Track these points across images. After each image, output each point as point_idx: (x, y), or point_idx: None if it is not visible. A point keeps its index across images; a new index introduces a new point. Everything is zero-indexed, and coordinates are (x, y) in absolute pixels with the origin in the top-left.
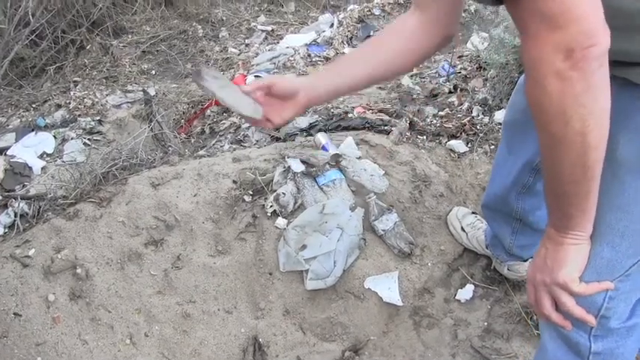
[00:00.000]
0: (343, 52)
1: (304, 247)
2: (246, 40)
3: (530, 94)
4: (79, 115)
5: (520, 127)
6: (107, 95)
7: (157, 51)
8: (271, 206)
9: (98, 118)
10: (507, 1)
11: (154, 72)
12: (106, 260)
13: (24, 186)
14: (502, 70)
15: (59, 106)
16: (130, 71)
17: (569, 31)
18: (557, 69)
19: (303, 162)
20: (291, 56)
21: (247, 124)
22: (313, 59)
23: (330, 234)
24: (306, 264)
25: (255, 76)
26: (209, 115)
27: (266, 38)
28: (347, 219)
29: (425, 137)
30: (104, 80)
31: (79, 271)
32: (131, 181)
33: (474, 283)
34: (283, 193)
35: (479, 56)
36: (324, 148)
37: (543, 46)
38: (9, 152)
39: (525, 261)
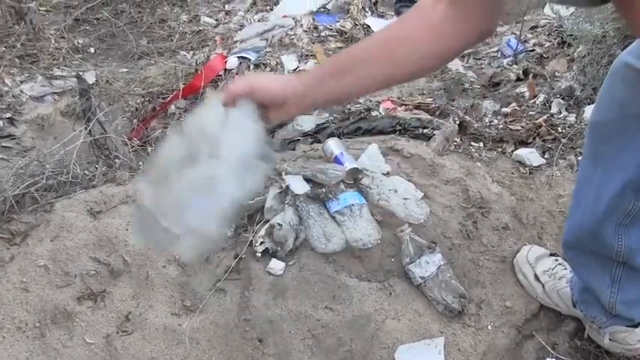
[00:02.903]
0: (364, 23)
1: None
2: (226, 6)
3: None
4: None
5: (615, 131)
6: (22, 82)
7: (97, 19)
8: (262, 243)
9: (9, 115)
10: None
11: (92, 50)
12: (18, 323)
13: None
14: (596, 47)
15: None
16: (57, 48)
17: None
18: None
19: (307, 180)
20: (291, 29)
21: None
22: (322, 33)
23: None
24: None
25: (239, 57)
26: (173, 113)
27: (254, 3)
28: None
29: (482, 144)
30: (17, 60)
31: None
32: (59, 207)
33: (557, 357)
34: (279, 224)
35: (561, 26)
36: (337, 160)
37: None
38: None
39: (636, 326)
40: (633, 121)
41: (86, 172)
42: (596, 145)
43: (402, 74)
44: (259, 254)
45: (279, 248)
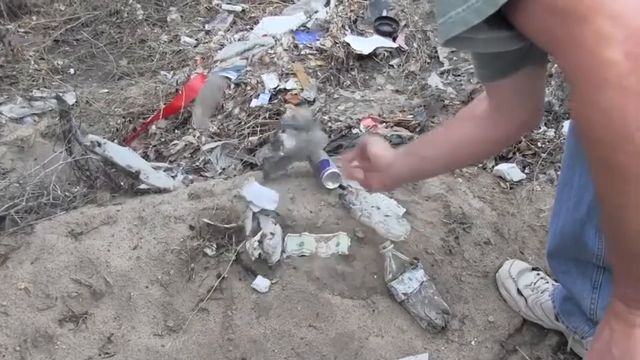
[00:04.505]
0: (344, 41)
1: None
2: (207, 26)
3: (578, 113)
4: None
5: None
6: (1, 104)
7: (77, 40)
8: (256, 248)
9: None
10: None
11: (72, 71)
12: None
13: None
14: None
15: None
16: (37, 69)
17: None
18: (613, 75)
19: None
20: (271, 48)
21: (209, 146)
22: (302, 52)
23: None
24: None
25: (221, 76)
26: (154, 134)
27: (234, 22)
28: None
29: None
30: None
31: None
32: (40, 229)
33: None
34: (271, 233)
35: None
36: (322, 163)
37: (586, 46)
38: None
39: None
40: None
41: (67, 193)
42: (577, 144)
43: (460, 161)
44: (254, 259)
45: (267, 257)
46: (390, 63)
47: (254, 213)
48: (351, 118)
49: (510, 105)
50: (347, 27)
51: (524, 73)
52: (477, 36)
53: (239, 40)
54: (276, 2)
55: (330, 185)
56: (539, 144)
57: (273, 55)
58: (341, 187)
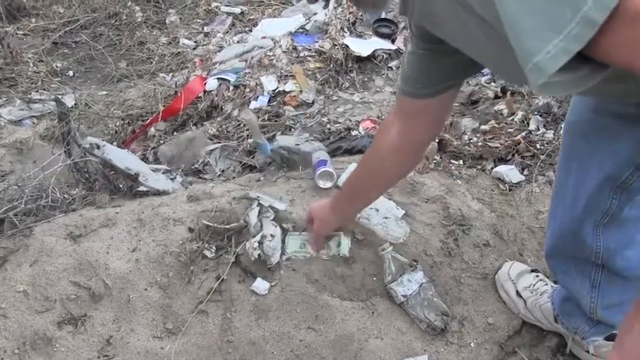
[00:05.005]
0: (343, 43)
1: None
2: (205, 28)
3: None
4: None
5: (591, 129)
6: (0, 106)
7: (76, 43)
8: (256, 248)
9: None
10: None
11: (71, 73)
12: None
13: None
14: None
15: None
16: (36, 72)
17: None
18: None
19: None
20: (270, 50)
21: (208, 148)
22: (301, 54)
23: None
24: None
25: (218, 78)
26: (153, 136)
27: (233, 25)
28: None
29: (461, 162)
30: None
31: None
32: (38, 232)
33: None
34: (272, 235)
35: None
36: (318, 163)
37: None
38: None
39: None
40: (608, 120)
41: (66, 195)
42: (572, 143)
43: (388, 182)
44: (253, 259)
45: (267, 259)
46: (389, 65)
47: (259, 211)
48: (350, 120)
49: (428, 123)
50: (346, 29)
51: (451, 91)
52: (554, 79)
53: (238, 42)
54: (275, 4)
55: (322, 184)
56: (537, 146)
57: (272, 57)
58: (330, 174)
